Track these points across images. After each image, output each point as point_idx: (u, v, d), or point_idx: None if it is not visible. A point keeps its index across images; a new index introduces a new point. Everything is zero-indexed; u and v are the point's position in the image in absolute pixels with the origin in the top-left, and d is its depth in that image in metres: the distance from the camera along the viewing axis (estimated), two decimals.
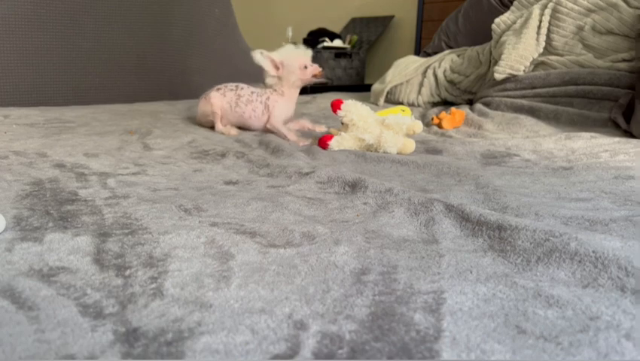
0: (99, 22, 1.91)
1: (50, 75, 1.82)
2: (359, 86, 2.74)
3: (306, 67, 1.30)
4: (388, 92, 1.92)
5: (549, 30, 1.51)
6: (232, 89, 1.36)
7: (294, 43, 1.37)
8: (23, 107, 1.57)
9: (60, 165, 0.90)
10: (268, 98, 1.33)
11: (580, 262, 0.48)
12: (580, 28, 1.47)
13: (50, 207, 0.66)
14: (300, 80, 1.31)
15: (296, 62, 1.29)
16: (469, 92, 1.80)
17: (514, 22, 1.62)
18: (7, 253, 0.50)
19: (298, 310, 0.41)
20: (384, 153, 1.07)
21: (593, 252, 0.48)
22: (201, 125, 1.39)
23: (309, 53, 1.31)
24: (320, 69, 1.29)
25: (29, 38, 1.77)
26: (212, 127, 1.35)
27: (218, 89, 1.37)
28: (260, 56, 1.29)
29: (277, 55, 1.30)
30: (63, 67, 1.83)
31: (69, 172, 0.86)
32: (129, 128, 1.30)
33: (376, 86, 1.99)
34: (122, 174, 0.86)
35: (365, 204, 0.72)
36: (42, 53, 1.78)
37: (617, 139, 1.14)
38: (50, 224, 0.59)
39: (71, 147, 1.05)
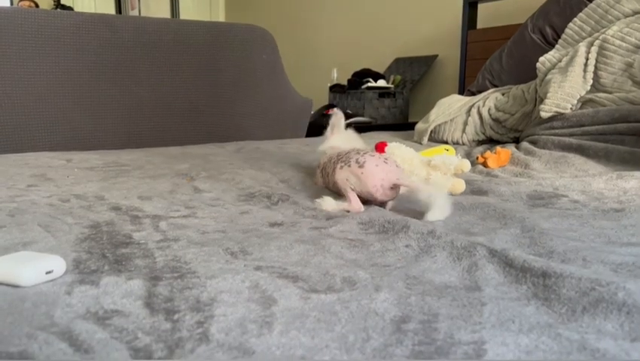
0: (154, 70, 2.03)
1: (108, 120, 1.94)
2: (403, 125, 2.75)
3: None
4: (432, 131, 1.92)
5: (596, 67, 1.49)
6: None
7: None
8: (84, 151, 1.67)
9: (116, 208, 0.95)
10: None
11: (628, 313, 0.46)
12: (630, 65, 1.44)
13: (106, 250, 0.70)
14: None
15: None
16: (515, 130, 1.78)
17: (559, 61, 1.60)
18: (67, 296, 0.54)
19: (337, 359, 0.41)
20: None
21: None
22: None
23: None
24: None
25: (90, 87, 1.90)
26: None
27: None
28: None
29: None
30: (120, 113, 1.95)
31: (124, 215, 0.90)
32: (180, 170, 1.36)
33: (419, 125, 1.99)
34: (173, 217, 0.90)
35: (407, 246, 0.72)
36: (101, 100, 1.91)
37: None
38: (106, 267, 0.63)
39: (127, 190, 1.10)
